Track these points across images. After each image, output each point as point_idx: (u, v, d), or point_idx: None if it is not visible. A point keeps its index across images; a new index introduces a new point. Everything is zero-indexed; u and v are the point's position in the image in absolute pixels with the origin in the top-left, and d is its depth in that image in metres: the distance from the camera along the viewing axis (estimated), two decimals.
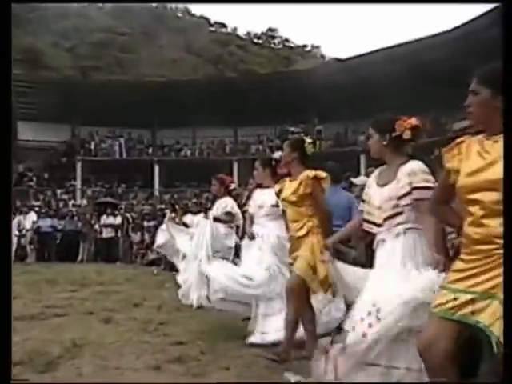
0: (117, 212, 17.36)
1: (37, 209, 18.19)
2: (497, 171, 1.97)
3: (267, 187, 4.68)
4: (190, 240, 5.88)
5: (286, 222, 4.16)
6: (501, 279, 1.92)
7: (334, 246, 3.24)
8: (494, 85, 2.05)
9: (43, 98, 23.73)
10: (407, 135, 2.87)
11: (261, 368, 3.70)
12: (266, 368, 3.69)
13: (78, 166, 25.67)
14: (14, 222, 15.76)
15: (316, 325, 4.02)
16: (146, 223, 16.45)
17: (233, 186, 6.26)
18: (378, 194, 2.89)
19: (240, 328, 4.75)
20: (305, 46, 59.50)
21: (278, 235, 4.52)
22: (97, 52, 43.93)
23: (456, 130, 16.20)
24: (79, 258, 16.66)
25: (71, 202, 22.23)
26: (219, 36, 54.11)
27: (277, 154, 4.75)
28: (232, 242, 5.87)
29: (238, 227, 6.05)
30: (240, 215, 5.99)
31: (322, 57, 56.18)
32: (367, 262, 3.58)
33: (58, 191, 24.41)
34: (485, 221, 2.02)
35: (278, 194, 4.21)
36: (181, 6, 58.32)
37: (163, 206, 18.39)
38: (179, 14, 58.52)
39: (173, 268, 10.42)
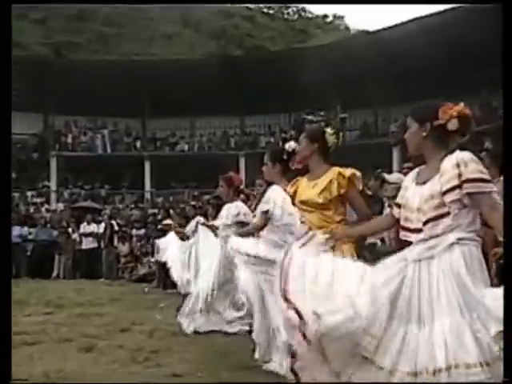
0: (100, 218, 17.40)
1: None
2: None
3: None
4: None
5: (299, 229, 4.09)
6: None
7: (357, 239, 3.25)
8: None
9: None
10: (453, 125, 2.78)
11: None
12: None
13: (53, 163, 25.75)
14: None
15: None
16: (134, 231, 16.53)
17: (241, 186, 6.26)
18: (418, 193, 2.80)
19: (247, 356, 4.74)
20: (325, 16, 59.33)
21: None
22: (74, 25, 43.83)
23: None
24: (54, 273, 16.73)
25: (44, 207, 22.30)
26: (221, 6, 54.14)
27: (290, 145, 4.69)
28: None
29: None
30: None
31: (347, 29, 55.98)
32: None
33: (29, 193, 24.49)
34: None
35: (292, 196, 4.20)
36: None
37: (156, 211, 18.45)
38: None
39: (167, 285, 10.44)
